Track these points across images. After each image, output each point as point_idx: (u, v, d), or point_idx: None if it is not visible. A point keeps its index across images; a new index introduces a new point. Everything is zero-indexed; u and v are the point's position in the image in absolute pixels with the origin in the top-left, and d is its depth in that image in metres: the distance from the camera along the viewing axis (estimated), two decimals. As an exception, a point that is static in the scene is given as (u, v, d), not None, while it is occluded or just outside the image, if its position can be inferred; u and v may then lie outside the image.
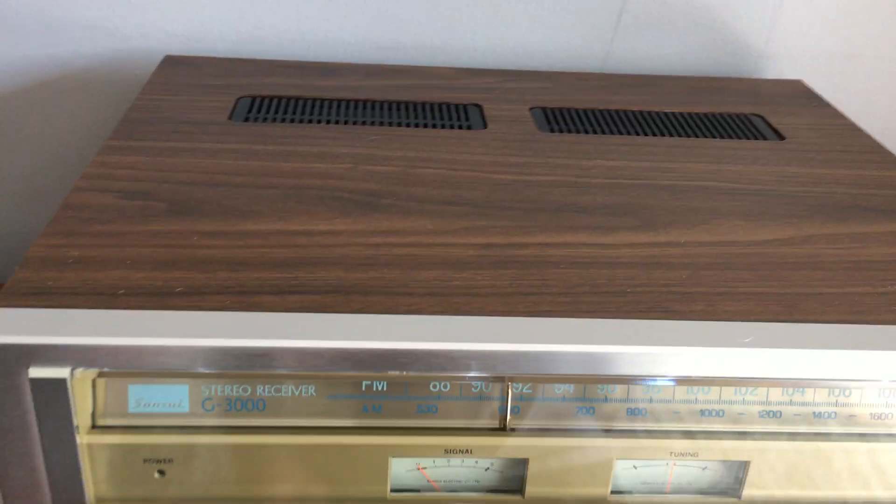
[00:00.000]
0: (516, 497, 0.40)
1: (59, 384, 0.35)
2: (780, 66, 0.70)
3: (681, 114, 0.60)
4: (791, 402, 0.39)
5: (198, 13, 0.66)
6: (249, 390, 0.38)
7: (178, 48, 0.67)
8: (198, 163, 0.49)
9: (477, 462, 0.39)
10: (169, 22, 0.66)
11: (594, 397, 0.38)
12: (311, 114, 0.56)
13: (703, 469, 0.40)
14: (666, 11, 0.68)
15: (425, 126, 0.56)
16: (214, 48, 0.67)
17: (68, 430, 0.36)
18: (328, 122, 0.55)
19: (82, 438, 0.36)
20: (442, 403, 0.38)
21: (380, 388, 0.38)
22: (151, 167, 0.48)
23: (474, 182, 0.49)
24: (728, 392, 0.39)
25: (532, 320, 0.37)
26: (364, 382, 0.38)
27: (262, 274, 0.39)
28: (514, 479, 0.40)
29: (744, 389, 0.38)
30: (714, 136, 0.57)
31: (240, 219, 0.43)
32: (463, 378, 0.37)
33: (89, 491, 0.37)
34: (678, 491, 0.41)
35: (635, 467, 0.40)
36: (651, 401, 0.39)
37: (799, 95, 0.65)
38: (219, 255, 0.40)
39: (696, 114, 0.61)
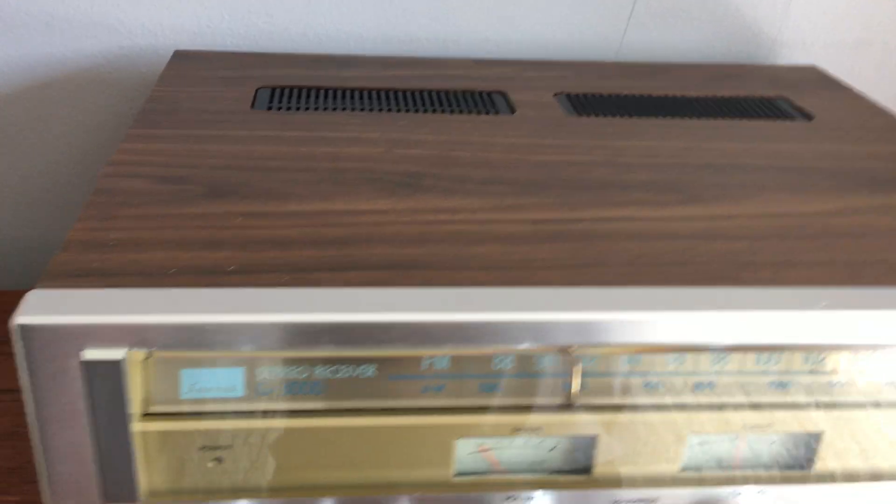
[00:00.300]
0: (583, 477, 0.38)
1: (114, 367, 0.33)
2: (792, 54, 0.70)
3: (704, 98, 0.60)
4: (865, 371, 0.38)
5: (205, 8, 0.65)
6: (307, 373, 0.36)
7: (186, 45, 0.66)
8: (227, 149, 0.47)
9: (542, 442, 0.38)
10: (176, 18, 0.65)
11: (662, 370, 0.37)
12: (335, 102, 0.55)
13: (773, 443, 0.39)
14: (679, 0, 0.67)
15: (451, 112, 0.54)
16: (223, 44, 0.66)
17: (122, 417, 0.34)
18: (353, 109, 0.54)
19: (136, 426, 0.34)
20: (505, 381, 0.37)
21: (442, 367, 0.36)
22: (180, 154, 0.46)
23: (512, 163, 0.47)
24: (799, 362, 0.38)
25: (597, 290, 0.36)
26: (425, 361, 0.36)
27: (313, 252, 0.37)
28: (578, 459, 0.38)
29: (815, 358, 0.38)
30: (742, 118, 0.56)
31: (281, 200, 0.42)
32: (529, 350, 0.36)
33: (142, 483, 0.35)
34: (747, 465, 0.39)
35: (704, 442, 0.39)
36: (720, 373, 0.38)
37: (816, 80, 0.65)
38: (266, 234, 0.39)
39: (720, 97, 0.60)
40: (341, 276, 0.36)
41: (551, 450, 0.38)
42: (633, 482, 0.38)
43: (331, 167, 0.46)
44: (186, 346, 0.33)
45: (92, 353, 0.32)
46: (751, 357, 0.37)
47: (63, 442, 0.34)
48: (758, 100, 0.60)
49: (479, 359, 0.36)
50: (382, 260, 0.37)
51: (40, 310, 0.32)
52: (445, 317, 0.34)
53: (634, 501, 0.39)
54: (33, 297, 0.33)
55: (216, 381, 0.36)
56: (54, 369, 0.33)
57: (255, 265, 0.36)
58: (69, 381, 0.33)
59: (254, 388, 0.36)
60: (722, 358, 0.37)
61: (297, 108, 0.54)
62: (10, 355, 0.57)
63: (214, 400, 0.36)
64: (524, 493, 0.38)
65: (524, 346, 0.35)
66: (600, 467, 0.38)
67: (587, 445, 0.38)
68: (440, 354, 0.36)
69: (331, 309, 0.34)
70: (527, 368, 0.37)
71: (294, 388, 0.36)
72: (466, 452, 0.38)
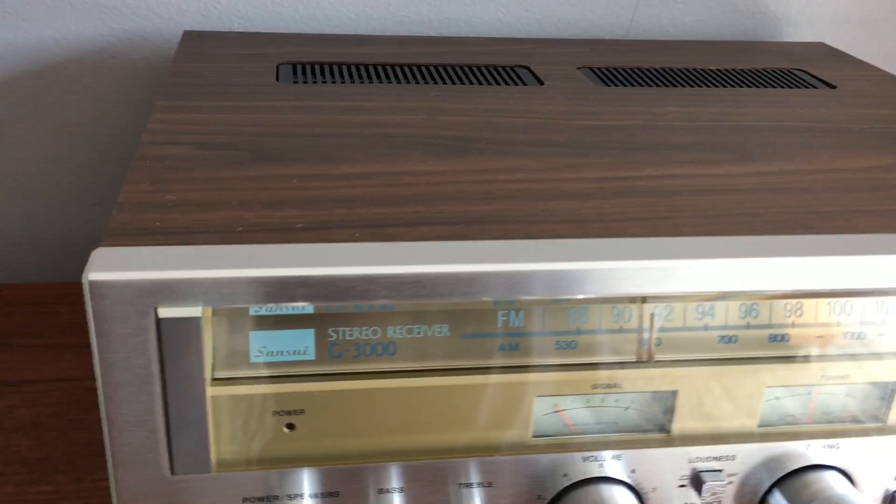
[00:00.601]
0: (660, 435, 0.37)
1: (191, 325, 0.31)
2: (797, 31, 0.71)
3: (725, 70, 0.60)
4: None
5: (214, -12, 0.63)
6: (380, 332, 0.34)
7: (192, 27, 0.64)
8: (264, 117, 0.45)
9: (618, 400, 0.37)
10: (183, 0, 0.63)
11: (737, 324, 0.37)
12: (360, 76, 0.54)
13: (849, 395, 0.39)
14: (688, -23, 0.67)
15: (480, 84, 0.53)
16: (231, 25, 0.64)
17: (197, 380, 0.32)
18: (380, 82, 0.53)
19: (209, 391, 0.33)
20: (581, 338, 0.36)
21: (517, 325, 0.35)
22: (217, 122, 0.44)
23: (557, 128, 0.47)
24: (874, 309, 0.37)
25: (676, 239, 0.35)
26: (500, 318, 0.35)
27: (381, 209, 0.36)
28: (654, 417, 0.37)
29: (892, 305, 0.37)
30: (766, 86, 0.56)
31: (332, 163, 0.40)
32: (609, 300, 0.35)
33: (213, 452, 0.34)
34: (821, 420, 0.39)
35: (780, 396, 0.38)
36: (794, 325, 0.37)
37: (827, 54, 0.66)
38: (327, 194, 0.37)
39: (740, 70, 0.60)
40: (414, 232, 0.34)
41: (626, 409, 0.37)
42: (711, 439, 0.38)
43: (375, 133, 0.44)
44: (264, 302, 0.32)
45: (167, 311, 0.31)
46: (826, 305, 0.37)
47: (132, 409, 0.32)
48: (777, 71, 0.60)
49: (556, 314, 0.35)
50: (454, 216, 0.36)
51: (112, 266, 0.30)
52: (526, 267, 0.33)
53: (712, 458, 0.38)
54: (101, 254, 0.31)
55: (287, 344, 0.34)
56: (126, 329, 0.31)
57: (324, 222, 0.35)
58: (141, 342, 0.31)
59: (326, 350, 0.34)
60: (798, 308, 0.37)
61: (324, 82, 0.52)
62: (28, 347, 0.55)
63: (285, 363, 0.34)
64: (601, 453, 0.37)
65: (606, 296, 0.34)
66: (678, 424, 0.37)
67: (665, 402, 0.37)
68: (520, 306, 0.34)
69: (412, 261, 0.32)
70: (604, 324, 0.36)
71: (367, 350, 0.34)
72: (542, 413, 0.37)
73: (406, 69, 0.56)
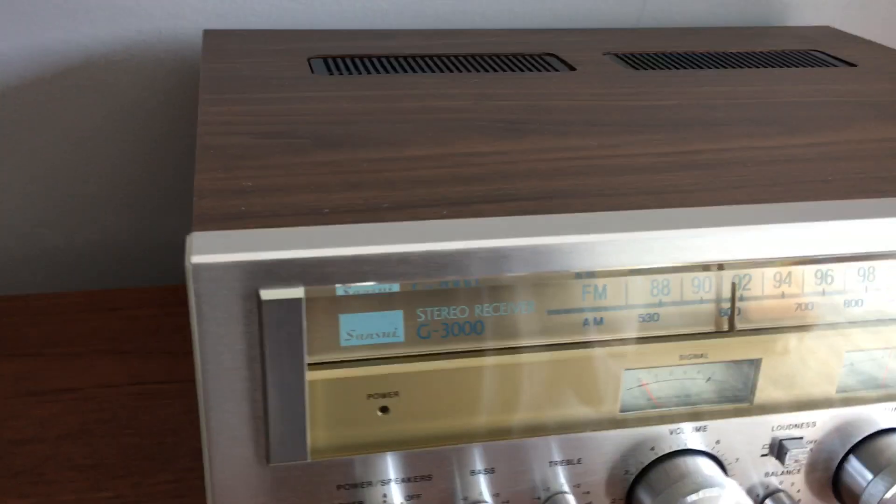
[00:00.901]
0: (744, 404, 0.37)
1: (294, 307, 0.30)
2: (803, 15, 0.72)
3: (746, 53, 0.60)
4: None
5: (230, -14, 0.62)
6: (467, 311, 0.34)
7: (209, 26, 0.63)
8: (314, 107, 0.45)
9: (701, 371, 0.37)
10: (198, -2, 0.62)
11: (813, 291, 0.37)
12: (394, 68, 0.53)
13: (921, 356, 0.39)
14: (697, -35, 0.68)
15: (514, 71, 0.53)
16: (248, 23, 0.63)
17: (297, 364, 0.31)
18: (415, 72, 0.52)
19: (307, 375, 0.32)
20: (664, 310, 0.36)
21: (601, 300, 0.35)
22: (270, 113, 0.44)
23: (603, 108, 0.47)
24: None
25: (757, 206, 0.35)
26: (584, 291, 0.35)
27: (461, 188, 0.36)
28: (738, 387, 0.37)
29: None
30: (790, 66, 0.57)
31: (397, 147, 0.40)
32: (693, 269, 0.35)
33: (309, 439, 0.33)
34: (891, 384, 0.39)
35: (858, 361, 0.38)
36: (872, 289, 0.37)
37: (837, 36, 0.67)
38: (402, 176, 0.37)
39: (760, 52, 0.61)
40: (501, 207, 0.34)
41: (709, 379, 0.37)
42: (792, 406, 0.38)
43: (428, 118, 0.44)
44: (364, 281, 0.31)
45: (270, 293, 0.30)
46: (900, 269, 0.37)
47: (231, 396, 0.31)
48: (795, 53, 0.61)
49: (638, 287, 0.35)
50: (534, 192, 0.36)
51: (214, 248, 0.30)
52: (618, 237, 0.33)
53: (793, 426, 0.38)
54: (200, 238, 0.30)
55: (376, 326, 0.33)
56: (228, 313, 0.30)
57: (408, 202, 0.34)
58: (243, 326, 0.30)
59: (415, 331, 0.34)
60: (871, 271, 0.37)
61: (359, 73, 0.52)
62: (60, 356, 0.54)
63: (375, 346, 0.33)
64: (686, 425, 0.37)
65: (692, 263, 0.34)
66: (760, 393, 0.37)
67: (747, 371, 0.37)
68: (604, 279, 0.34)
69: (509, 234, 0.32)
70: (686, 294, 0.36)
71: (455, 329, 0.34)
72: (627, 388, 0.36)
73: (437, 60, 0.55)
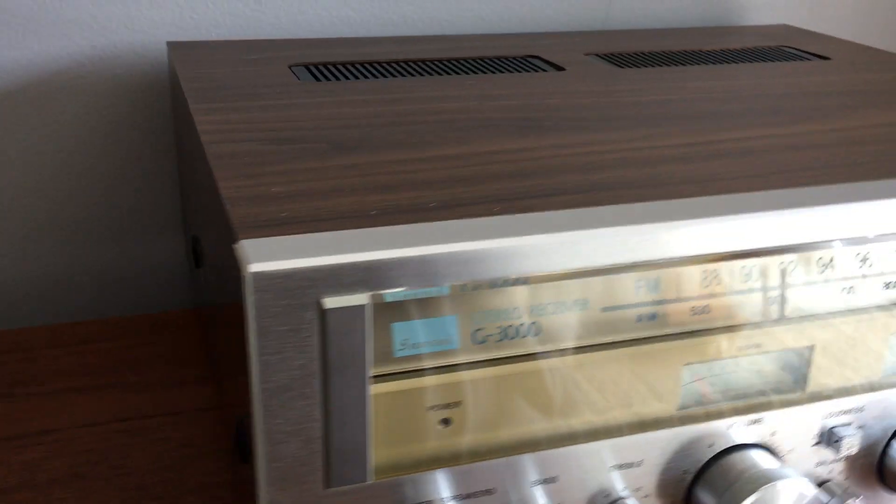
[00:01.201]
0: (797, 394, 0.37)
1: (357, 315, 0.28)
2: (760, 16, 0.73)
3: (720, 51, 0.60)
4: None
5: (190, -3, 0.59)
6: (522, 313, 0.32)
7: (168, 38, 0.60)
8: (315, 112, 0.43)
9: (755, 362, 0.36)
10: (156, 10, 0.59)
11: (853, 275, 0.36)
12: (381, 73, 0.51)
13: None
14: (657, -33, 0.68)
15: (505, 72, 0.52)
16: (209, 35, 0.60)
17: (360, 378, 0.29)
18: (403, 76, 0.50)
19: (370, 389, 0.30)
20: (714, 301, 0.35)
21: (653, 295, 0.34)
22: (270, 119, 0.41)
23: (610, 105, 0.46)
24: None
25: (813, 188, 0.35)
26: (636, 284, 0.33)
27: (501, 185, 0.34)
28: (791, 376, 0.36)
29: None
30: (766, 61, 0.57)
31: (417, 149, 0.38)
32: (745, 255, 0.34)
33: (371, 457, 0.31)
34: (932, 363, 0.39)
35: (896, 343, 0.38)
36: (903, 270, 0.37)
37: (798, 33, 0.68)
38: (437, 176, 0.35)
39: (733, 49, 0.61)
40: (550, 202, 0.33)
41: (763, 370, 0.36)
42: (841, 392, 0.37)
43: (438, 119, 0.42)
44: (431, 284, 0.29)
45: (333, 301, 0.28)
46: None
47: (288, 417, 0.29)
48: (767, 49, 0.62)
49: (688, 279, 0.34)
50: (578, 185, 0.34)
51: (271, 255, 0.27)
52: (680, 225, 0.32)
53: (842, 413, 0.37)
54: (253, 247, 0.28)
55: (430, 334, 0.31)
56: (287, 326, 0.28)
57: (453, 201, 0.32)
58: (303, 339, 0.28)
59: (469, 337, 0.32)
60: (909, 252, 0.37)
61: (347, 79, 0.50)
62: (32, 396, 0.49)
63: (430, 355, 0.31)
64: (742, 419, 0.36)
65: (746, 249, 0.33)
66: (813, 381, 0.36)
67: (800, 359, 0.36)
68: (656, 272, 0.33)
69: (576, 226, 0.31)
70: (735, 284, 0.35)
71: (510, 332, 0.32)
72: (684, 384, 0.35)
73: (421, 64, 0.54)
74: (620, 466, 0.35)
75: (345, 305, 0.28)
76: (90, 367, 0.53)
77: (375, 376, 0.30)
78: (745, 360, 0.36)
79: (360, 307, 0.28)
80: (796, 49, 0.62)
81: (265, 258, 0.27)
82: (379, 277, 0.28)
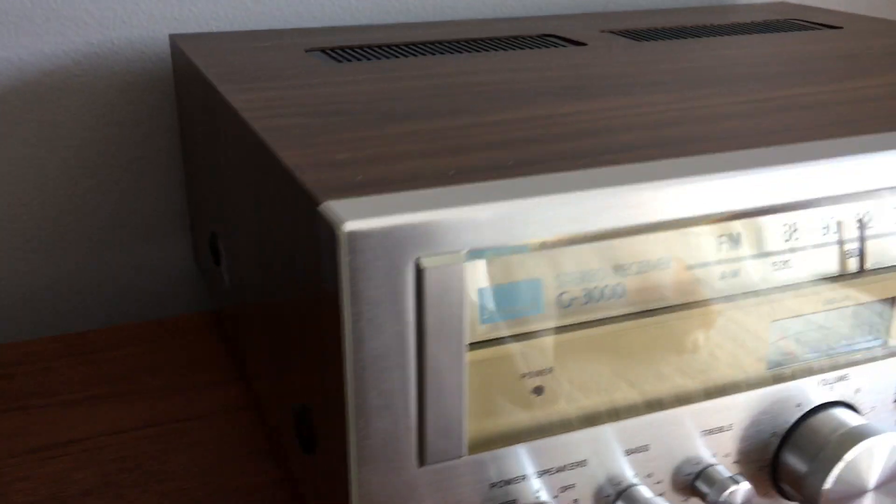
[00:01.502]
0: (880, 349, 0.36)
1: (456, 276, 0.26)
2: (755, -6, 0.73)
3: (730, 24, 0.60)
4: None
5: (189, -12, 0.57)
6: (608, 274, 0.31)
7: (166, 34, 0.58)
8: (351, 89, 0.41)
9: (839, 316, 0.35)
10: (154, 3, 0.57)
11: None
12: (401, 54, 0.50)
13: None
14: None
15: (527, 49, 0.51)
16: (209, 27, 0.58)
17: (456, 344, 0.27)
18: (424, 55, 0.49)
19: (466, 356, 0.28)
20: (795, 256, 0.34)
21: (736, 252, 0.32)
22: (309, 96, 0.39)
23: (647, 71, 0.45)
24: None
25: (865, 136, 0.34)
26: (719, 239, 0.32)
27: (571, 144, 0.33)
28: (874, 330, 0.35)
29: None
30: (780, 32, 0.57)
31: (473, 115, 0.36)
32: (823, 201, 0.33)
33: (465, 431, 0.29)
34: None
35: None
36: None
37: (799, 9, 0.68)
38: (499, 138, 0.33)
39: (742, 23, 0.60)
40: (630, 156, 0.31)
41: (846, 324, 0.35)
42: (918, 345, 0.36)
43: (479, 90, 0.41)
44: (528, 239, 0.27)
45: (431, 261, 0.26)
46: None
47: (381, 389, 0.27)
48: (777, 22, 0.61)
49: (769, 234, 0.33)
50: (652, 141, 0.33)
51: (366, 213, 0.25)
52: (768, 172, 0.31)
53: (920, 367, 0.36)
54: (342, 206, 0.26)
55: (514, 299, 0.30)
56: (382, 290, 0.26)
57: (530, 159, 0.31)
58: (398, 303, 0.26)
59: (555, 301, 0.30)
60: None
61: (369, 60, 0.48)
62: (48, 407, 0.47)
63: (517, 321, 0.30)
64: (828, 376, 0.35)
65: (826, 195, 0.32)
66: (895, 334, 0.35)
67: (882, 312, 0.35)
68: (738, 227, 0.32)
69: (669, 175, 0.29)
70: (815, 238, 0.33)
71: (595, 295, 0.31)
72: (771, 342, 0.34)
73: (438, 45, 0.52)
74: (710, 432, 0.33)
75: (444, 264, 0.26)
76: (106, 376, 0.50)
77: (470, 344, 0.28)
78: (828, 315, 0.35)
79: (459, 267, 0.26)
80: (806, 21, 0.61)
81: (360, 216, 0.25)
82: (475, 235, 0.26)
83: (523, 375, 0.30)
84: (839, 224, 0.34)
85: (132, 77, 0.57)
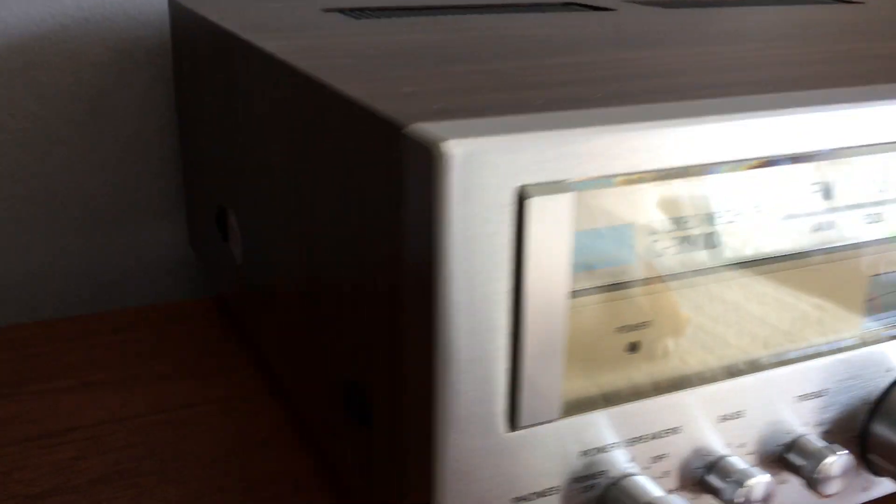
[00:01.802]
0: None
1: (562, 211, 0.23)
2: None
3: (751, -2, 0.58)
4: None
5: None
6: (701, 222, 0.28)
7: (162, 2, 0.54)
8: (389, 39, 0.38)
9: None
10: (151, -35, 0.53)
11: None
12: (425, 15, 0.47)
13: None
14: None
15: (556, 12, 0.48)
16: None
17: (558, 290, 0.24)
18: (452, 14, 0.46)
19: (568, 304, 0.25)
20: (887, 209, 0.31)
21: (830, 201, 0.30)
22: (345, 45, 0.36)
23: (684, 30, 0.42)
24: None
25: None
26: (812, 193, 0.30)
27: (645, 83, 0.30)
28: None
29: None
30: (810, 4, 0.55)
31: (531, 58, 0.33)
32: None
33: (560, 391, 0.26)
34: None
35: None
36: None
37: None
38: (574, 77, 0.30)
39: (763, -3, 0.59)
40: (711, 93, 0.29)
41: None
42: None
43: (519, 41, 0.38)
44: (639, 170, 0.25)
45: (536, 189, 0.23)
46: None
47: (470, 342, 0.24)
48: (795, -3, 0.60)
49: (861, 183, 0.30)
50: (723, 82, 0.30)
51: (468, 132, 0.22)
52: (852, 108, 0.28)
53: None
54: (435, 129, 0.23)
55: (603, 247, 0.27)
56: (481, 225, 0.23)
57: (615, 94, 0.28)
58: (496, 241, 0.23)
59: (646, 250, 0.27)
60: None
61: (390, 18, 0.45)
62: (47, 392, 0.42)
63: (608, 271, 0.27)
64: (915, 340, 0.32)
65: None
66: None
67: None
68: (830, 173, 0.29)
69: (761, 108, 0.27)
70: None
71: (687, 244, 0.28)
72: (867, 299, 0.31)
73: (457, 9, 0.49)
74: (803, 397, 0.30)
75: (551, 195, 0.23)
76: (101, 361, 0.46)
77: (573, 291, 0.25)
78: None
79: (568, 198, 0.23)
80: (825, -3, 0.60)
81: (463, 135, 0.22)
82: (587, 163, 0.23)
83: (619, 329, 0.27)
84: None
85: (126, 45, 0.53)
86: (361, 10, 0.48)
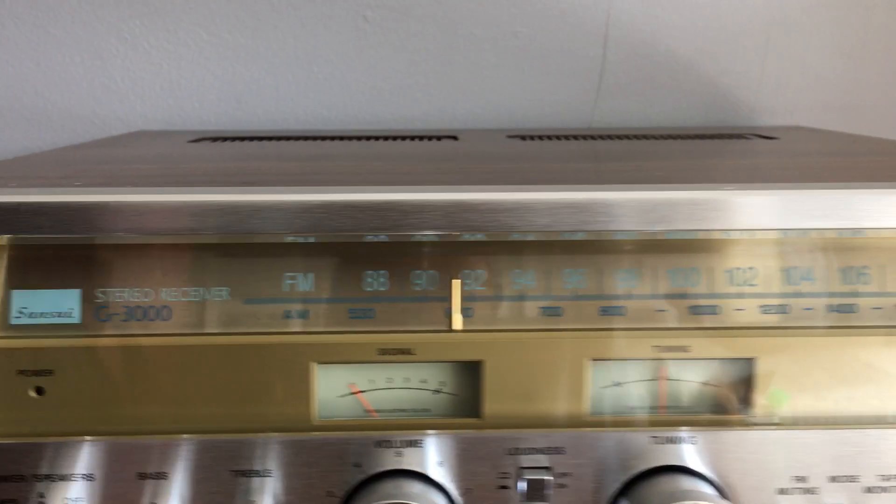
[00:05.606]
0: (472, 420, 0.32)
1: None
2: (774, 119, 0.68)
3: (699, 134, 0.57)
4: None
5: (175, 95, 0.66)
6: (152, 295, 0.32)
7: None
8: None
9: (424, 381, 0.33)
10: (147, 106, 0.66)
11: (561, 293, 0.32)
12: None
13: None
14: (648, 69, 0.66)
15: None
16: (193, 130, 0.67)
17: None
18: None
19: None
20: (380, 307, 0.32)
21: (306, 289, 0.32)
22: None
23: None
24: (723, 280, 0.32)
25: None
26: (287, 281, 0.32)
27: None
28: (466, 401, 0.32)
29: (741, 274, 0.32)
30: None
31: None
32: (412, 235, 0.31)
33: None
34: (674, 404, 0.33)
35: (617, 383, 0.33)
36: (631, 297, 0.32)
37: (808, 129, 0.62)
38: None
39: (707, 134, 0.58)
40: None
41: (435, 392, 0.33)
42: (524, 422, 0.32)
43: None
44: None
45: None
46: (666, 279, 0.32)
47: None
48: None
49: (348, 281, 0.32)
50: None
51: None
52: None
53: (532, 450, 0.32)
54: None
55: (51, 305, 0.32)
56: None
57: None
58: None
59: (92, 313, 0.32)
60: (630, 278, 0.32)
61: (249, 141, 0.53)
62: None
63: (48, 326, 0.32)
64: (401, 437, 0.32)
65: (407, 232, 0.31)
66: (491, 405, 0.32)
67: (473, 381, 0.32)
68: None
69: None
70: (404, 292, 0.32)
71: (138, 314, 0.32)
72: (335, 395, 0.33)
73: (371, 139, 0.56)
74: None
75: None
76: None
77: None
78: (413, 377, 0.33)
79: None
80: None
81: None
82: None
83: (21, 372, 0.31)
84: (435, 281, 0.32)
85: (126, 169, 0.67)
86: (226, 138, 0.57)
